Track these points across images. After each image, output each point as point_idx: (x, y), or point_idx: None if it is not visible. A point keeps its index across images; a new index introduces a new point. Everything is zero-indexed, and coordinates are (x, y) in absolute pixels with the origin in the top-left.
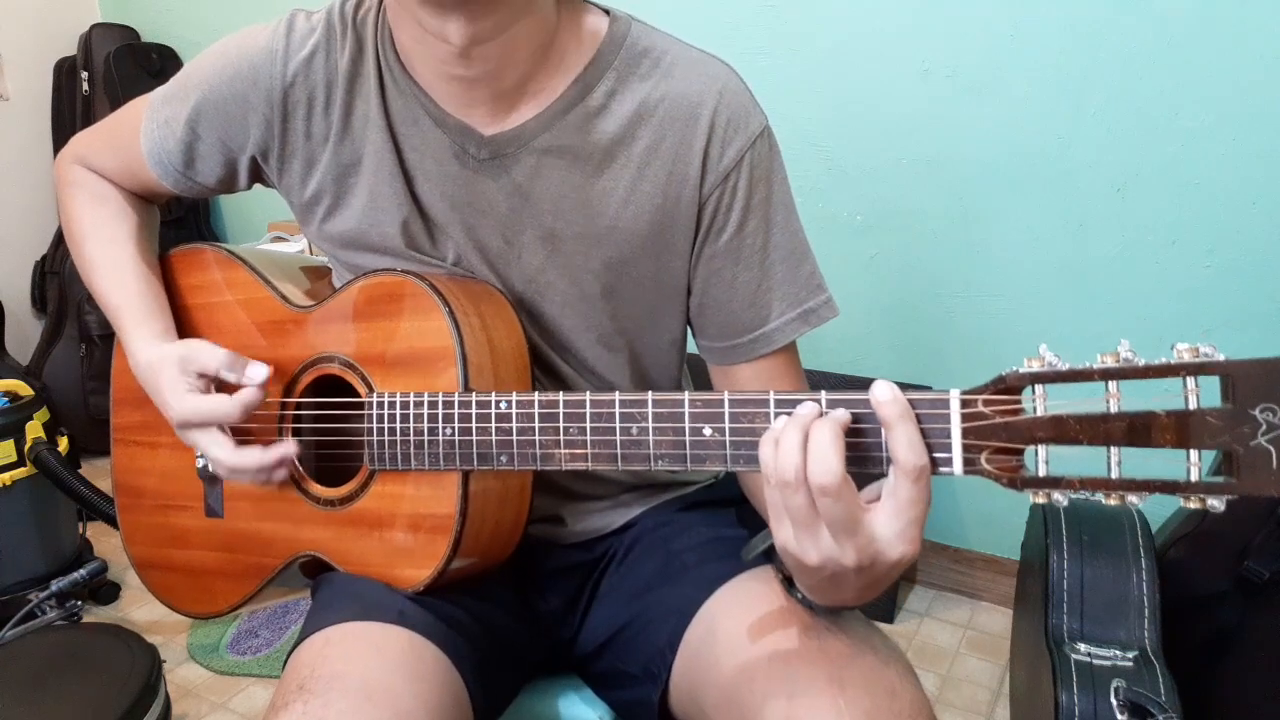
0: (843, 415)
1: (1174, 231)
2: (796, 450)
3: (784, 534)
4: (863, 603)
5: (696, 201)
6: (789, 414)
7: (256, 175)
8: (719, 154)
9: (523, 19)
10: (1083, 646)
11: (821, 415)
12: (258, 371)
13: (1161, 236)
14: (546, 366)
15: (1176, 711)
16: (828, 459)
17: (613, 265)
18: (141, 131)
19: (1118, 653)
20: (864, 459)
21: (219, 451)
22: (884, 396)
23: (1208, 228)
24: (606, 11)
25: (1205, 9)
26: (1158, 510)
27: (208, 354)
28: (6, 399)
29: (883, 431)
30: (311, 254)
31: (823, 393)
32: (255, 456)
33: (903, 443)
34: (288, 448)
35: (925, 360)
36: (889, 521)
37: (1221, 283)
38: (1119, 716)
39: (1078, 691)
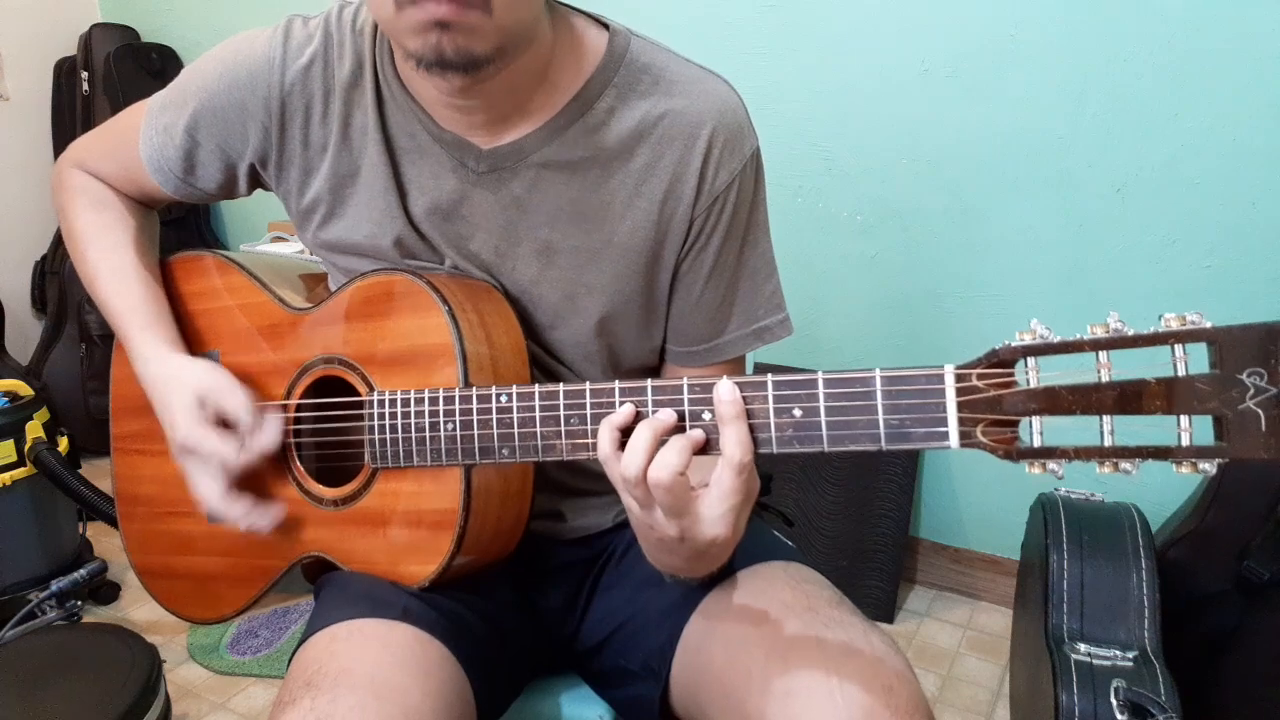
0: (696, 434)
1: (1174, 231)
2: (643, 454)
3: (628, 503)
4: (694, 575)
5: (688, 219)
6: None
7: (256, 181)
8: (713, 175)
9: (520, 56)
10: (1083, 646)
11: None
12: (269, 437)
13: (1161, 236)
14: (540, 368)
15: (1176, 711)
16: (670, 465)
17: (606, 281)
18: (140, 138)
19: (1118, 653)
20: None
21: (208, 491)
22: (724, 396)
23: (1208, 228)
24: (606, 26)
25: (1205, 9)
26: (1158, 510)
27: (233, 401)
28: (6, 399)
29: (718, 425)
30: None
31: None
32: (239, 511)
33: (731, 439)
34: (272, 514)
35: (925, 360)
36: (713, 505)
37: (1221, 283)
38: (1119, 716)
39: (1078, 691)
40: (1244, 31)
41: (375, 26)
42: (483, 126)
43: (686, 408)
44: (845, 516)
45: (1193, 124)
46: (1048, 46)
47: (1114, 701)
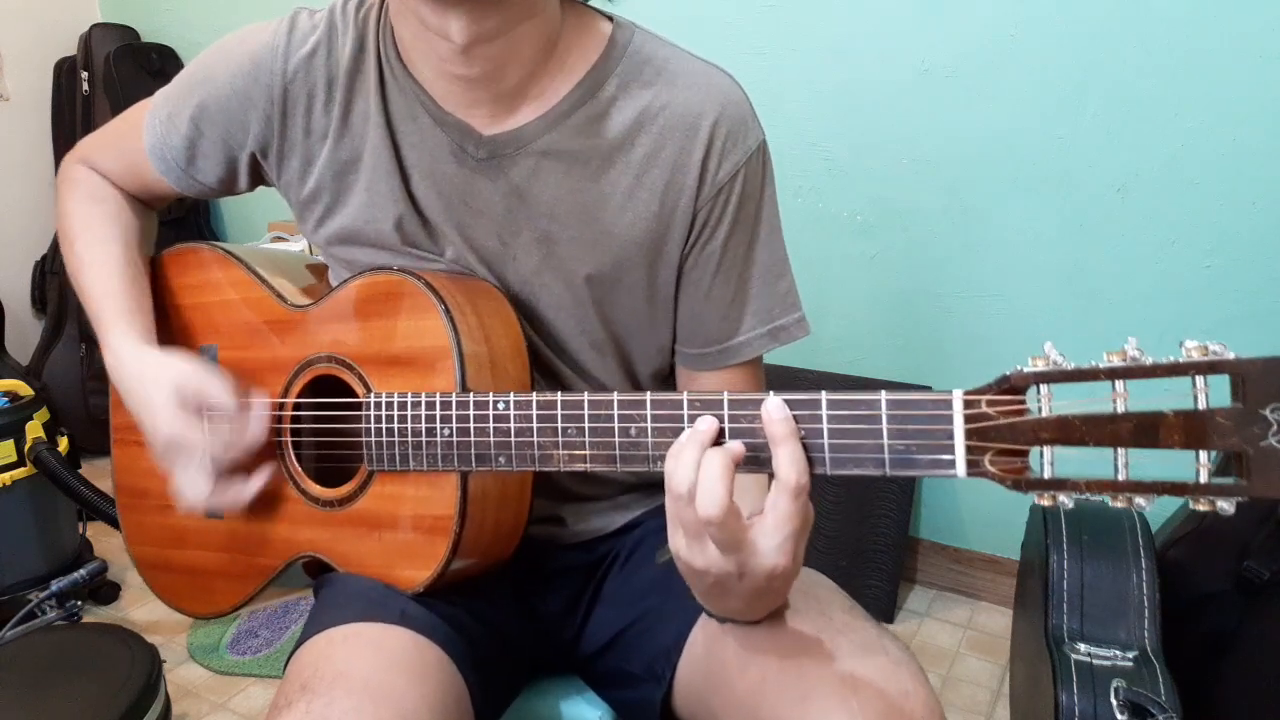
0: (736, 448)
1: (1174, 231)
2: (691, 468)
3: (677, 540)
4: (753, 616)
5: (691, 211)
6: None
7: (257, 174)
8: (716, 166)
9: (526, 20)
10: (1083, 646)
11: (721, 434)
12: (257, 427)
13: (1161, 236)
14: (543, 367)
15: (1176, 711)
16: (714, 492)
17: (606, 271)
18: (144, 129)
19: (1118, 653)
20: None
21: (197, 486)
22: (774, 415)
23: (1208, 228)
24: (610, 18)
25: (1205, 9)
26: (1158, 510)
27: (215, 388)
28: (6, 399)
29: (769, 445)
30: (311, 253)
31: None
32: (231, 498)
33: (785, 460)
34: (254, 485)
35: (925, 360)
36: (770, 534)
37: (1221, 283)
38: (1119, 716)
39: (1078, 691)
40: (1244, 31)
41: (379, 10)
42: (485, 106)
43: (685, 424)
44: (845, 516)
45: (1193, 124)
46: (1048, 46)
47: (1114, 701)
